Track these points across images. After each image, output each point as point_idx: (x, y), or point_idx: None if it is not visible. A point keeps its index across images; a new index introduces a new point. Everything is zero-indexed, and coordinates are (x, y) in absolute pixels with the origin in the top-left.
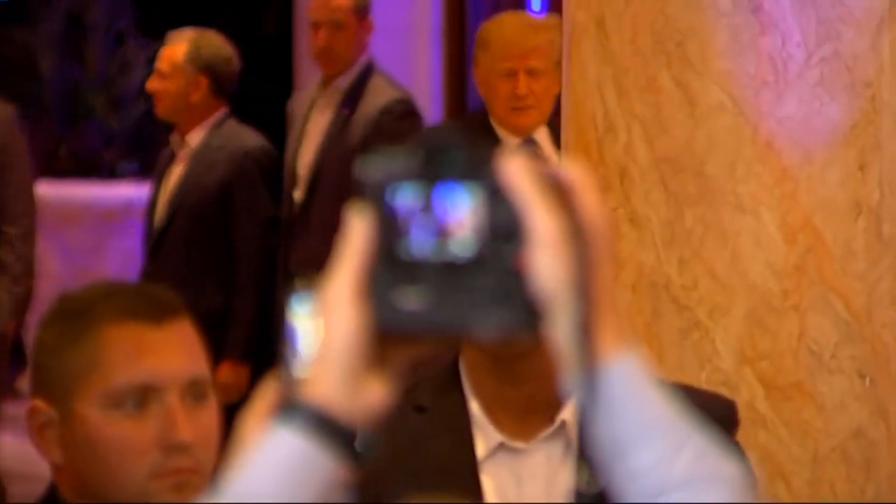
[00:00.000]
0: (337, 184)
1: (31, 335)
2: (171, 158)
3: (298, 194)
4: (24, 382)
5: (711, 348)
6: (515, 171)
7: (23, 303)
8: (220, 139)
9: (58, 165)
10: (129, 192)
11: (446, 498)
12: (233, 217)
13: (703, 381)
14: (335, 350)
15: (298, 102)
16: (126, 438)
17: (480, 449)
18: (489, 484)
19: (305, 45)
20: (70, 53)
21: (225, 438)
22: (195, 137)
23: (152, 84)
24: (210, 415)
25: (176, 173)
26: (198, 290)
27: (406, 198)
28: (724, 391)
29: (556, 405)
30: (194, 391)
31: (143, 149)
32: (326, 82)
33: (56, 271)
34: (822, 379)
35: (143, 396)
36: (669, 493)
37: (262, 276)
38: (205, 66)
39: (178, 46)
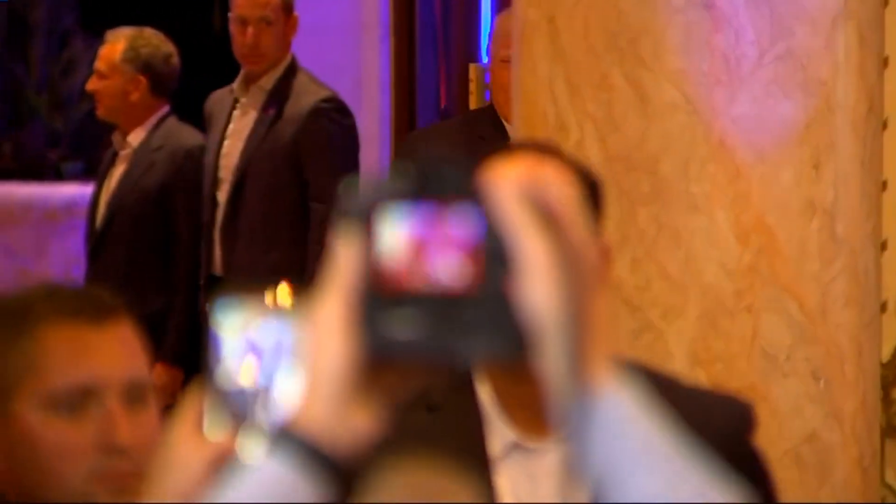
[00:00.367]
0: (266, 185)
1: None
2: (114, 159)
3: (222, 196)
4: None
5: (664, 350)
6: (505, 195)
7: None
8: (160, 139)
9: (1, 166)
10: (73, 192)
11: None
12: (172, 218)
13: None
14: (323, 379)
15: (217, 103)
16: (64, 440)
17: (494, 448)
18: (504, 484)
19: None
20: (13, 53)
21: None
22: (136, 137)
23: (92, 84)
24: (150, 417)
25: (117, 174)
26: (139, 292)
27: (394, 220)
28: None
29: None
30: (134, 393)
31: (87, 149)
32: (249, 81)
33: None
34: (776, 381)
35: (81, 398)
36: None
37: (199, 277)
38: (143, 66)
39: (116, 45)
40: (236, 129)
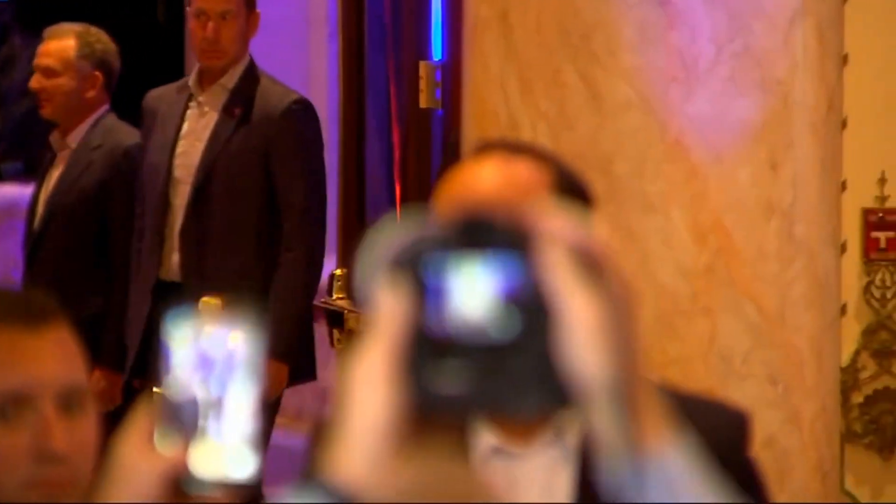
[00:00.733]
0: (234, 189)
1: None
2: (53, 159)
3: (179, 199)
4: None
5: None
6: (553, 250)
7: None
8: (98, 137)
9: None
10: (12, 193)
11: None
12: (110, 217)
13: None
14: (366, 431)
15: (161, 100)
16: None
17: (476, 452)
18: None
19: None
20: None
21: (102, 447)
22: (76, 137)
23: (38, 83)
24: (86, 424)
25: (56, 174)
26: (78, 295)
27: (441, 271)
28: None
29: None
30: (70, 400)
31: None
32: (207, 79)
33: None
34: (733, 385)
35: (15, 404)
36: None
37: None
38: (99, 62)
39: (66, 42)
40: (193, 128)
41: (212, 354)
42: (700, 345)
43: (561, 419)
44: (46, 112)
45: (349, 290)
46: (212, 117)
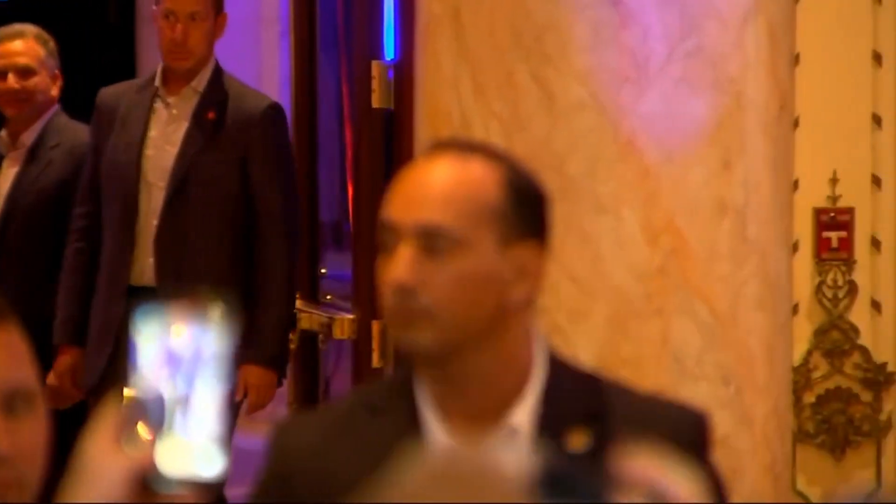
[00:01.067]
0: (213, 195)
1: None
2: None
3: (152, 203)
4: None
5: (571, 354)
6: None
7: None
8: (54, 136)
9: None
10: None
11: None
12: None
13: None
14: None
15: (119, 100)
16: None
17: None
18: None
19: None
20: None
21: (54, 447)
22: (30, 136)
23: (17, 82)
24: (34, 425)
25: (9, 175)
26: (39, 295)
27: None
28: None
29: (505, 408)
30: (16, 401)
31: None
32: (176, 81)
33: None
34: (686, 386)
35: None
36: None
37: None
38: (59, 61)
39: (31, 41)
40: (163, 131)
41: (179, 352)
42: (653, 346)
43: (513, 418)
44: (18, 111)
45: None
46: (182, 121)
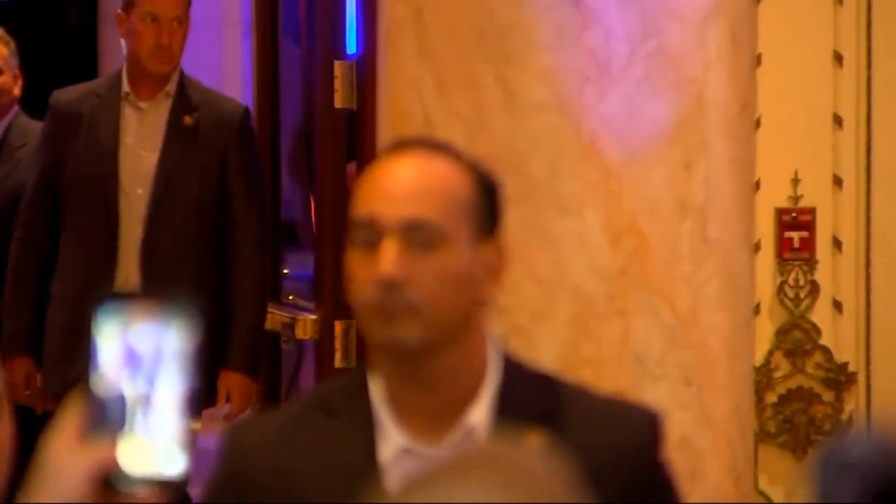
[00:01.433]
0: (194, 200)
1: None
2: None
3: (134, 209)
4: None
5: (533, 354)
6: None
7: None
8: (19, 136)
9: None
10: None
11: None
12: None
13: None
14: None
15: (86, 103)
16: None
17: (384, 453)
18: (393, 489)
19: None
20: None
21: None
22: None
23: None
24: None
25: None
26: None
27: None
28: None
29: (462, 408)
30: None
31: None
32: (149, 85)
33: None
34: (647, 386)
35: None
36: None
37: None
38: (19, 61)
39: None
40: (139, 138)
41: (139, 351)
42: (614, 346)
43: (470, 417)
44: None
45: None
46: (158, 126)
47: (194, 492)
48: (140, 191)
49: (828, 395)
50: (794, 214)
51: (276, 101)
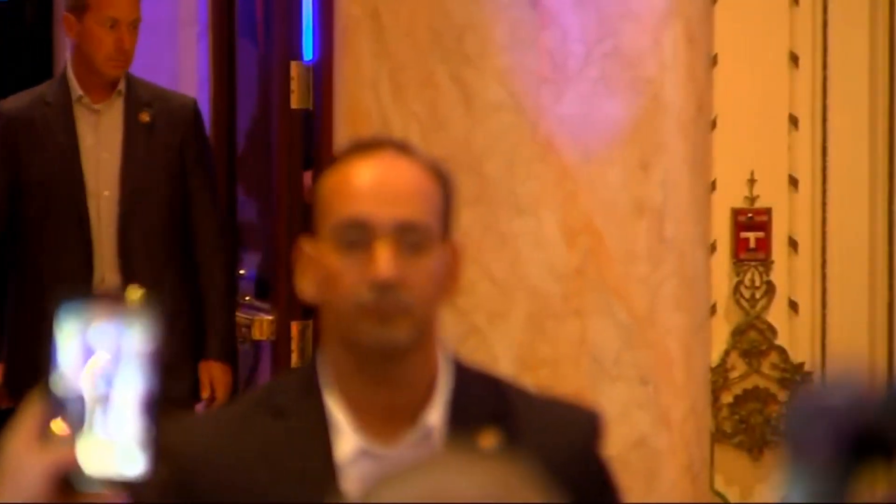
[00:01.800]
0: (160, 198)
1: None
2: None
3: (103, 213)
4: None
5: (490, 355)
6: None
7: None
8: None
9: None
10: None
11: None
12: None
13: None
14: None
15: (34, 110)
16: None
17: (341, 454)
18: (351, 490)
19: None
20: None
21: None
22: None
23: None
24: None
25: None
26: None
27: None
28: None
29: (417, 409)
30: None
31: None
32: (103, 87)
33: None
34: (604, 386)
35: None
36: None
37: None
38: None
39: None
40: (98, 138)
41: (98, 350)
42: (571, 346)
43: (428, 418)
44: None
45: None
46: (115, 126)
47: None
48: (107, 192)
49: (784, 396)
50: (749, 215)
51: (233, 102)
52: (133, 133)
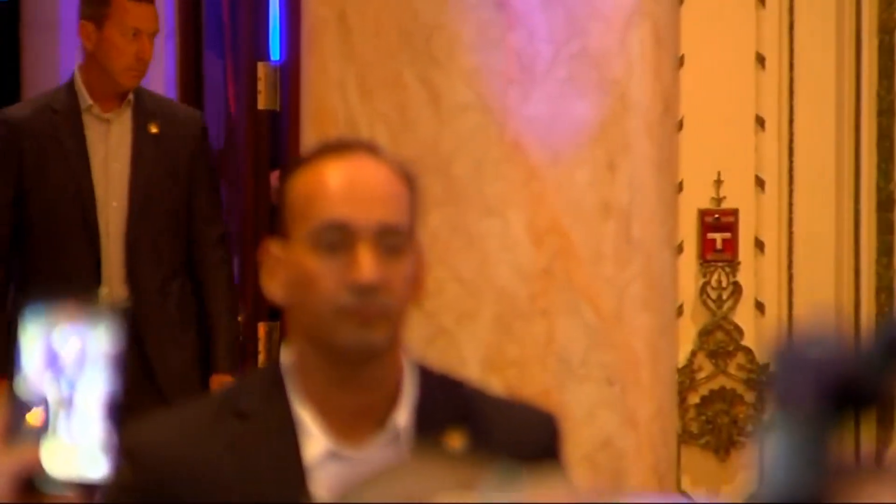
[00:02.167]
0: (167, 210)
1: None
2: None
3: (112, 225)
4: None
5: (458, 356)
6: None
7: None
8: None
9: None
10: None
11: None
12: None
13: None
14: None
15: (41, 121)
16: None
17: (309, 456)
18: (320, 492)
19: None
20: None
21: None
22: None
23: None
24: None
25: None
26: None
27: None
28: None
29: (383, 411)
30: None
31: None
32: (115, 97)
33: None
34: (571, 387)
35: None
36: None
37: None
38: None
39: None
40: (108, 149)
41: (62, 353)
42: (538, 346)
43: (397, 420)
44: None
45: None
46: (124, 136)
47: None
48: (115, 203)
49: (750, 396)
50: (716, 216)
51: (200, 105)
52: (142, 144)
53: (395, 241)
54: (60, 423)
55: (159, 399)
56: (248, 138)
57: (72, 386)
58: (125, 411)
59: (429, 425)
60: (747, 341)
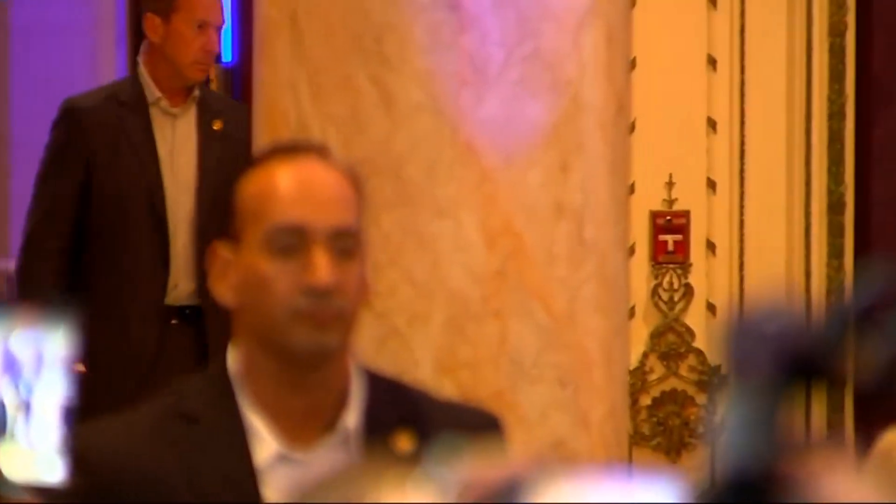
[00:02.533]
0: (221, 203)
1: None
2: None
3: (180, 223)
4: None
5: (410, 357)
6: None
7: None
8: None
9: None
10: None
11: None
12: None
13: None
14: None
15: (110, 113)
16: None
17: (260, 459)
18: (271, 495)
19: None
20: None
21: None
22: None
23: None
24: None
25: None
26: None
27: None
28: None
29: (332, 413)
30: None
31: None
32: (181, 91)
33: None
34: (523, 388)
35: None
36: None
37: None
38: None
39: None
40: (176, 143)
41: (20, 357)
42: (490, 348)
43: (346, 422)
44: None
45: None
46: (189, 132)
47: None
48: (183, 198)
49: (701, 398)
50: (668, 217)
51: None
52: (207, 140)
53: (348, 243)
54: (18, 427)
55: None
56: None
57: (29, 390)
58: None
59: (377, 428)
60: (699, 343)
